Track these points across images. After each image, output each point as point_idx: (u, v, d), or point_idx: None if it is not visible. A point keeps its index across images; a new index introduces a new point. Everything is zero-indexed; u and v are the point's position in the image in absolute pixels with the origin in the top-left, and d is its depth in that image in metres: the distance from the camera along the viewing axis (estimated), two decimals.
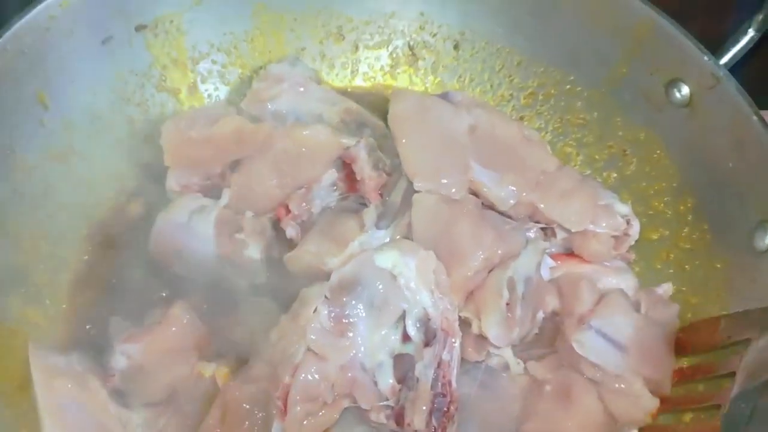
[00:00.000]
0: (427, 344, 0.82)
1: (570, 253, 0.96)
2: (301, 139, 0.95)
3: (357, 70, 1.17)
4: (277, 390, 0.78)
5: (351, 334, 0.82)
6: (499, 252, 0.87)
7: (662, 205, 1.00)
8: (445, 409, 0.81)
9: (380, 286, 0.83)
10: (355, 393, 0.81)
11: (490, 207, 0.94)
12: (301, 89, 1.04)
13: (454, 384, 0.82)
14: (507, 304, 0.84)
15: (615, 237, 0.92)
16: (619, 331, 0.86)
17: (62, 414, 0.81)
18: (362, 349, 0.82)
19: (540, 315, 0.90)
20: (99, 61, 0.99)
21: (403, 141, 0.93)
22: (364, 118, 1.05)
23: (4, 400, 0.83)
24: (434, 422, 0.81)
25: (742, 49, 0.92)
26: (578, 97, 1.07)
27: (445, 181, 0.91)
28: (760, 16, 0.89)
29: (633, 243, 0.94)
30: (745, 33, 0.91)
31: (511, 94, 1.12)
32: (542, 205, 0.92)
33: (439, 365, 0.82)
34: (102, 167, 1.01)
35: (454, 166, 0.93)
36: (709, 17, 1.03)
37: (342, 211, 0.97)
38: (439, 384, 0.81)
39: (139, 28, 1.01)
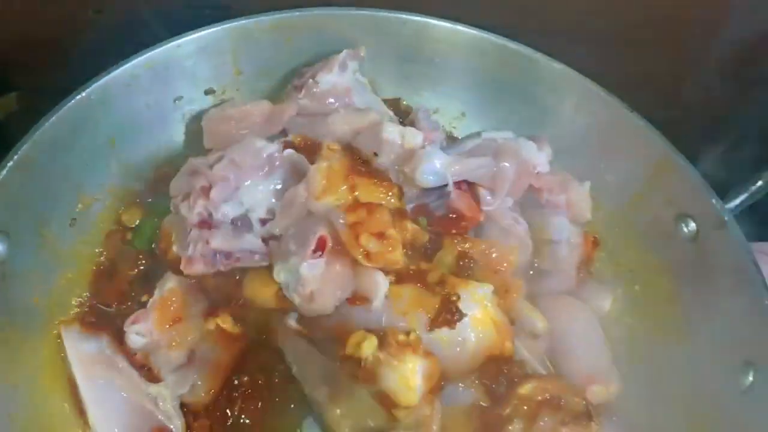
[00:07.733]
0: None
1: None
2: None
3: None
4: None
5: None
6: None
7: (660, 329, 1.04)
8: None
9: None
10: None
11: None
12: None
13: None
14: None
15: None
16: None
17: (104, 400, 0.87)
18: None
19: None
20: (167, 117, 1.11)
21: None
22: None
23: (60, 395, 0.90)
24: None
25: (751, 196, 0.97)
26: (595, 212, 1.12)
27: None
28: None
29: None
30: (755, 183, 0.97)
31: None
32: None
33: None
34: None
35: None
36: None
37: None
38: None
39: (208, 92, 1.14)
